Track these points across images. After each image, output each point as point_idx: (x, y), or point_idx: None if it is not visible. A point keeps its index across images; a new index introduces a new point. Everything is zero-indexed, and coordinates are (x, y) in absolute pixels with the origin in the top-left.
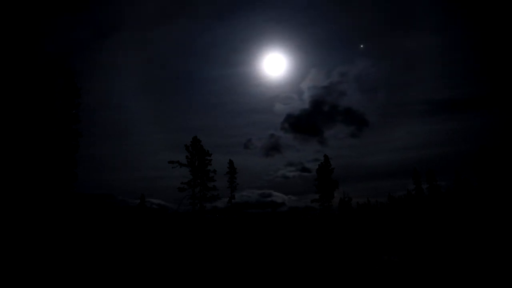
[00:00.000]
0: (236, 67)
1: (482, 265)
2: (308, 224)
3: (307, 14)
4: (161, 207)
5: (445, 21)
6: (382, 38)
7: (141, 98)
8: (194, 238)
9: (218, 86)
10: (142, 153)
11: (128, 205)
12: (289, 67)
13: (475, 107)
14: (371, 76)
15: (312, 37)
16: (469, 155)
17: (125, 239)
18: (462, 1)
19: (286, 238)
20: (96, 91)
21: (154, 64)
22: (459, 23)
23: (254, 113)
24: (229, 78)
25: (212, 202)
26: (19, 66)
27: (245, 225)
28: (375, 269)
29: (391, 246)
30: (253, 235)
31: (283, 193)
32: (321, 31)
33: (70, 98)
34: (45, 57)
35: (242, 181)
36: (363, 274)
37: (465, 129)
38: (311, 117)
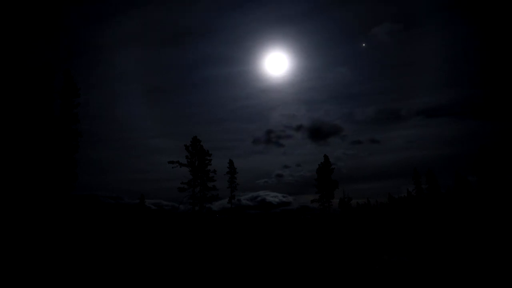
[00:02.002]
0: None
1: (482, 265)
2: (308, 224)
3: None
4: (159, 208)
5: (446, 26)
6: (382, 40)
7: (142, 100)
8: (194, 238)
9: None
10: (142, 154)
11: (128, 205)
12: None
13: (474, 111)
14: (370, 80)
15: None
16: (468, 156)
17: (126, 239)
18: (462, 5)
19: (286, 238)
20: (96, 96)
21: (155, 65)
22: (459, 28)
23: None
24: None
25: (212, 202)
26: (19, 67)
27: (245, 225)
28: (376, 269)
29: (391, 246)
30: (253, 235)
31: (276, 194)
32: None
33: (70, 98)
34: (45, 58)
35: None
36: (364, 274)
37: (464, 132)
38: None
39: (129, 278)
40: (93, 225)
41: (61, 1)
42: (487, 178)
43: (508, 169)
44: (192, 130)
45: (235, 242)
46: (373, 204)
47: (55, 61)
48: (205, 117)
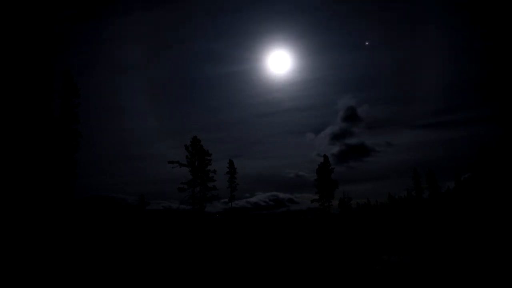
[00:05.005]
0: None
1: (482, 265)
2: (308, 224)
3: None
4: (159, 208)
5: (445, 33)
6: (385, 43)
7: (142, 99)
8: (194, 239)
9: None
10: (143, 154)
11: (128, 206)
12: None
13: (473, 114)
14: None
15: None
16: (467, 158)
17: (126, 240)
18: (462, 11)
19: (286, 238)
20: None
21: (157, 65)
22: (459, 36)
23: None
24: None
25: (212, 202)
26: (19, 67)
27: (245, 225)
28: (376, 269)
29: (391, 246)
30: (253, 235)
31: (274, 194)
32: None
33: (70, 98)
34: (45, 58)
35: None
36: (364, 274)
37: (463, 134)
38: None
39: (129, 278)
40: (93, 226)
41: (62, 1)
42: (487, 178)
43: (508, 169)
44: (192, 128)
45: (235, 243)
46: (373, 204)
47: (55, 61)
48: (204, 117)
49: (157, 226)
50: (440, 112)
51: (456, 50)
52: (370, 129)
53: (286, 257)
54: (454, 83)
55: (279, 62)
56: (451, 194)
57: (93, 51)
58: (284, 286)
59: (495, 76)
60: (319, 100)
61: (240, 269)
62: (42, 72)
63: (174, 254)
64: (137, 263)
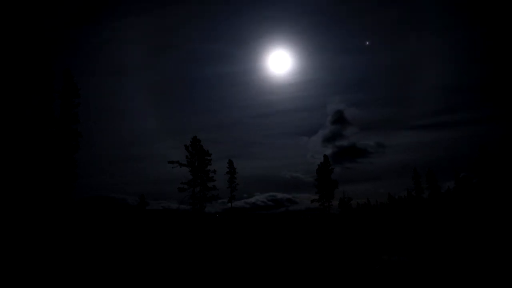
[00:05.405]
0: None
1: (481, 265)
2: (308, 224)
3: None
4: (159, 208)
5: (445, 33)
6: (386, 42)
7: (143, 99)
8: (194, 239)
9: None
10: (143, 154)
11: (128, 206)
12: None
13: (473, 114)
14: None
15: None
16: (467, 158)
17: (126, 240)
18: (462, 11)
19: (286, 238)
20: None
21: (157, 66)
22: (459, 36)
23: None
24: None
25: (212, 202)
26: (19, 67)
27: (245, 225)
28: (376, 269)
29: (391, 246)
30: (253, 235)
31: (273, 194)
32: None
33: (70, 98)
34: (45, 58)
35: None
36: (364, 274)
37: (463, 134)
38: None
39: (129, 278)
40: (93, 226)
41: (63, 3)
42: (487, 178)
43: (508, 169)
44: (192, 128)
45: (235, 243)
46: (373, 204)
47: (55, 62)
48: (206, 118)
49: (157, 226)
50: (440, 112)
51: (456, 50)
52: (370, 129)
53: (286, 257)
54: (454, 83)
55: (279, 62)
56: (451, 194)
57: (93, 51)
58: (284, 286)
59: (495, 76)
60: (319, 100)
61: (240, 269)
62: (42, 72)
63: (174, 254)
64: (137, 263)
